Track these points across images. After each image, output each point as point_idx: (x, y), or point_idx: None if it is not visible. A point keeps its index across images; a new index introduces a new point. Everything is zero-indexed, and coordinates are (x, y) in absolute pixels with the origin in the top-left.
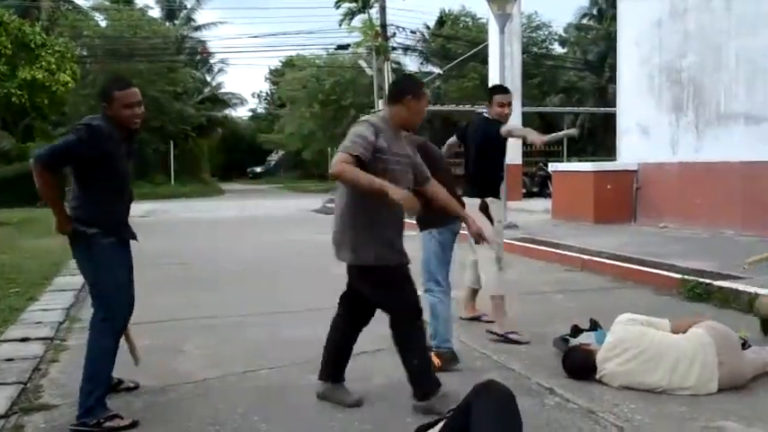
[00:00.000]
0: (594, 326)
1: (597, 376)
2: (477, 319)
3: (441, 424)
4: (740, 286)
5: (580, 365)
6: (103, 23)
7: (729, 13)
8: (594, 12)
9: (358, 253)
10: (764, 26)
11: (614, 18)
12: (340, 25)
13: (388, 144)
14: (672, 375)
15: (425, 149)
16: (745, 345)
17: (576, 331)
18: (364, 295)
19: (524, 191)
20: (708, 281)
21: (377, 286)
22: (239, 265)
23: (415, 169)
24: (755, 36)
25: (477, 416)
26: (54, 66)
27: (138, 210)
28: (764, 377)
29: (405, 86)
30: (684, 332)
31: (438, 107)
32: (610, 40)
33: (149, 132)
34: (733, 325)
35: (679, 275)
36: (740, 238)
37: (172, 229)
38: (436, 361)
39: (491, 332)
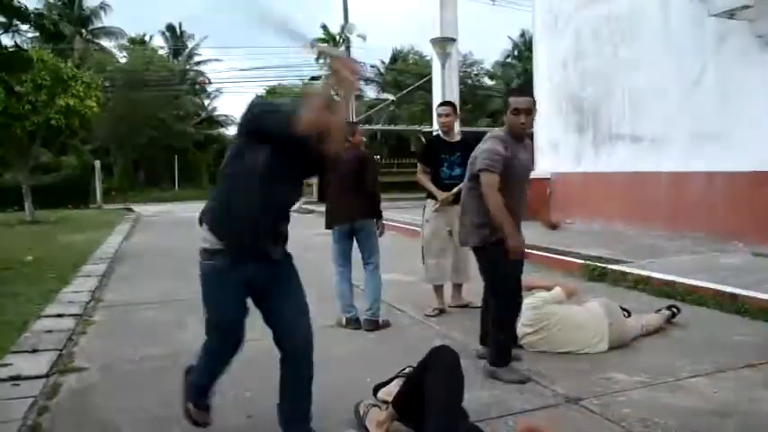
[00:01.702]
0: None
1: (519, 343)
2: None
3: (395, 381)
4: (626, 269)
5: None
6: (123, 60)
7: (616, 58)
8: (516, 53)
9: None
10: (641, 68)
11: (530, 58)
12: (316, 61)
13: (511, 153)
14: (576, 340)
15: (365, 162)
16: (628, 314)
17: None
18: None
19: None
20: (603, 265)
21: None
22: None
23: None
24: (636, 74)
25: (433, 373)
26: (82, 94)
27: (148, 210)
28: (642, 338)
29: (504, 96)
30: (570, 297)
31: (392, 127)
32: (527, 75)
33: (158, 148)
34: (621, 298)
35: (581, 261)
36: (627, 231)
37: (175, 225)
38: (344, 320)
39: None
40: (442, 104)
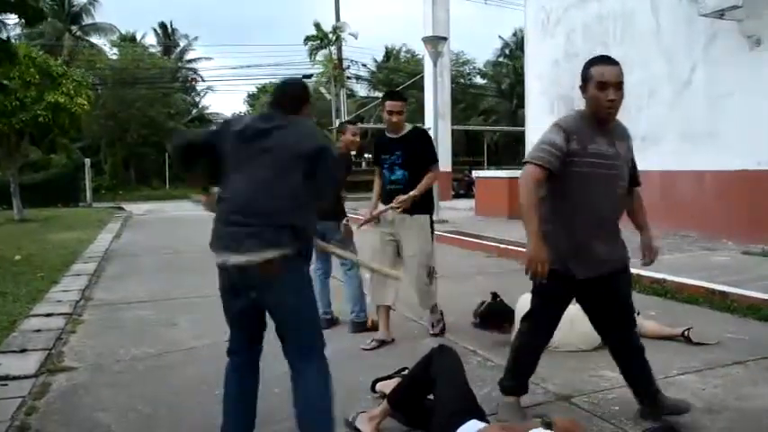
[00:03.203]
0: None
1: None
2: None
3: (395, 378)
4: None
5: (494, 313)
6: (113, 57)
7: None
8: (507, 52)
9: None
10: (634, 68)
11: (522, 58)
12: (309, 57)
13: (582, 145)
14: (568, 337)
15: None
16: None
17: (495, 296)
18: (622, 298)
19: (453, 193)
20: None
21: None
22: None
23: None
24: (629, 75)
25: (441, 366)
26: (72, 91)
27: (139, 209)
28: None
29: (584, 68)
30: None
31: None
32: (518, 74)
33: (149, 146)
34: None
35: None
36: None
37: (166, 224)
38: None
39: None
40: (389, 97)
